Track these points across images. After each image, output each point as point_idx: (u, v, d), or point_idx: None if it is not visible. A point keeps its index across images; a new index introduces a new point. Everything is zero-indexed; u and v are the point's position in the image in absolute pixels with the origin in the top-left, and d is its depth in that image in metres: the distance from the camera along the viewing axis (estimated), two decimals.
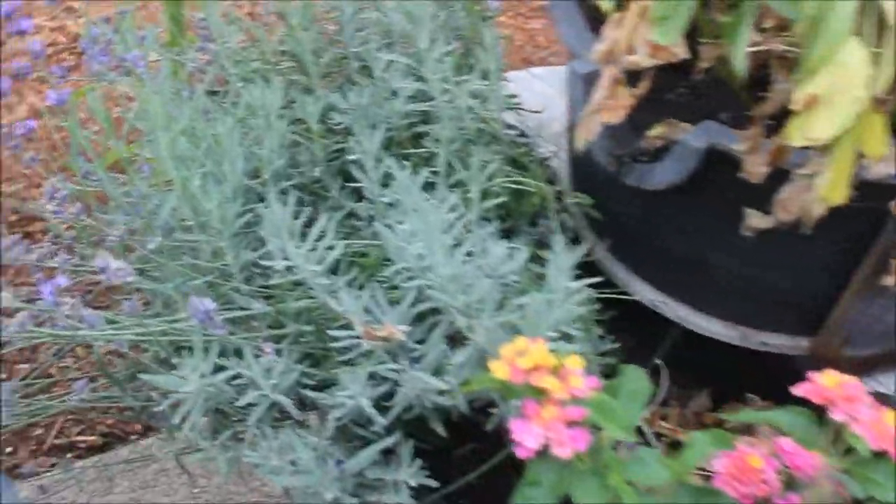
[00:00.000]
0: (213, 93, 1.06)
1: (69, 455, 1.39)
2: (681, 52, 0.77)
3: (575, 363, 0.61)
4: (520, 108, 1.09)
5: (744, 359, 1.13)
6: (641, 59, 0.74)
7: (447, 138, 0.94)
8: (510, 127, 1.14)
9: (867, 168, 0.79)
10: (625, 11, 0.74)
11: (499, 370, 0.61)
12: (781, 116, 0.77)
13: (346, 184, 1.00)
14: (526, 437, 0.59)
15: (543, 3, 2.17)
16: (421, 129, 1.01)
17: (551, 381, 0.60)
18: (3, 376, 0.94)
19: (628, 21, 0.73)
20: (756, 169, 0.83)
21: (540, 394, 0.60)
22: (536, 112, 1.11)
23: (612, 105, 0.77)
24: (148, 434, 1.39)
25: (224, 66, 1.04)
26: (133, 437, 1.41)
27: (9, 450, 1.40)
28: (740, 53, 0.70)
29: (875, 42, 0.71)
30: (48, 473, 1.18)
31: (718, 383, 1.22)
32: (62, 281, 0.66)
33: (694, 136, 0.90)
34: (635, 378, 0.67)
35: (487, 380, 0.62)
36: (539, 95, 1.33)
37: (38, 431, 1.42)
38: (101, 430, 1.43)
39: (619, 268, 1.14)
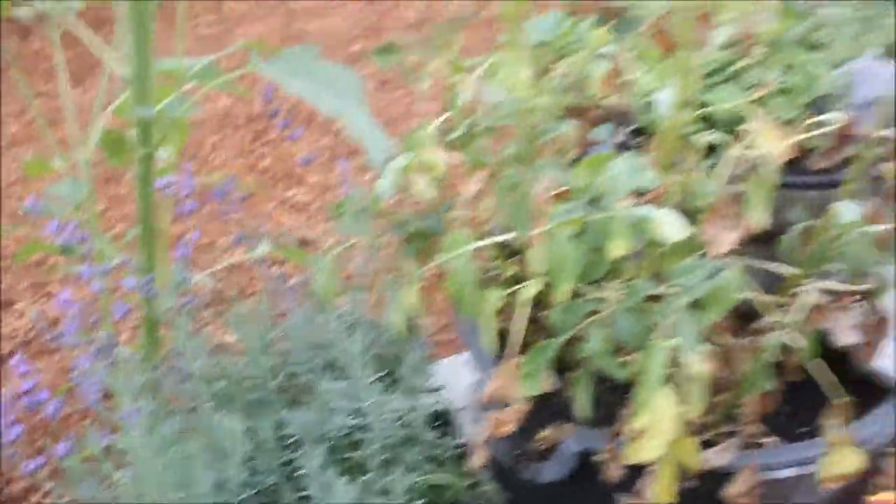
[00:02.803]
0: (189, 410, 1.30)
1: None
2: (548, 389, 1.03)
3: None
4: (446, 417, 1.34)
5: None
6: (517, 404, 0.99)
7: (377, 448, 1.18)
8: (437, 417, 1.38)
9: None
10: (504, 365, 1.01)
11: None
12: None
13: (297, 486, 1.23)
14: None
15: None
16: (357, 436, 1.25)
17: None
18: None
19: (505, 374, 0.99)
20: (614, 472, 1.07)
21: None
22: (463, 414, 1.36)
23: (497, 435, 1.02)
24: None
25: (195, 386, 1.29)
26: None
27: None
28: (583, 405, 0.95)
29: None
30: None
31: None
32: None
33: (570, 443, 1.15)
34: None
35: None
36: (465, 381, 1.59)
37: None
38: None
39: None
